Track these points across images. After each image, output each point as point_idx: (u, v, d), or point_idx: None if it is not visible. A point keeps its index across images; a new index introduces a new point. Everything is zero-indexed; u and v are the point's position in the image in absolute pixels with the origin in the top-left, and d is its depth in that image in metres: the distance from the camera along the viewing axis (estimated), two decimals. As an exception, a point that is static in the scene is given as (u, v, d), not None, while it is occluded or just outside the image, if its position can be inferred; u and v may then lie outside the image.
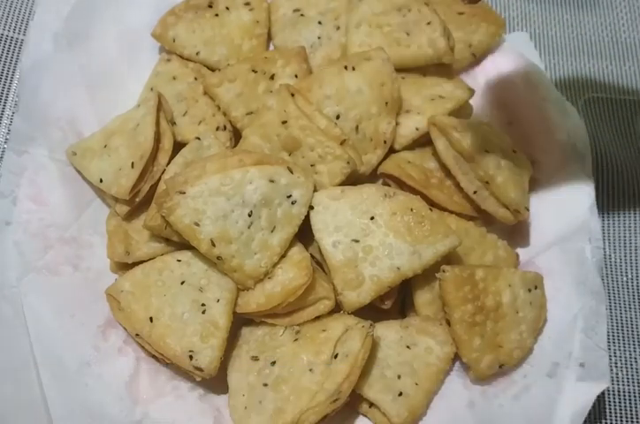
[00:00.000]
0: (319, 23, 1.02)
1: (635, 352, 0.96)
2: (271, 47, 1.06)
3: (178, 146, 0.89)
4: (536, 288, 0.90)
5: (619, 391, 0.94)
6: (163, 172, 0.88)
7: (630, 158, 1.08)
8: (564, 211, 0.96)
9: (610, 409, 0.93)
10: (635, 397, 0.93)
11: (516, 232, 0.97)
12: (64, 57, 0.96)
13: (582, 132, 1.00)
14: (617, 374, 0.95)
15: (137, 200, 0.88)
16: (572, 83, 1.14)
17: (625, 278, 1.00)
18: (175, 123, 0.94)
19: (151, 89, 0.97)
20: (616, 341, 0.96)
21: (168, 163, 0.88)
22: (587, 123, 1.09)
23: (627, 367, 0.95)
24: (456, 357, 0.87)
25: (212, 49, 1.00)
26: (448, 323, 0.85)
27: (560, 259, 0.93)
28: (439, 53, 0.95)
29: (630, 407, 0.93)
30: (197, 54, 0.99)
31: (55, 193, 0.89)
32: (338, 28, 1.02)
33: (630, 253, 1.02)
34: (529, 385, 0.87)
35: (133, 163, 0.87)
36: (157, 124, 0.89)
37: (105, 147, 0.90)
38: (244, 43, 1.01)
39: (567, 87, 1.14)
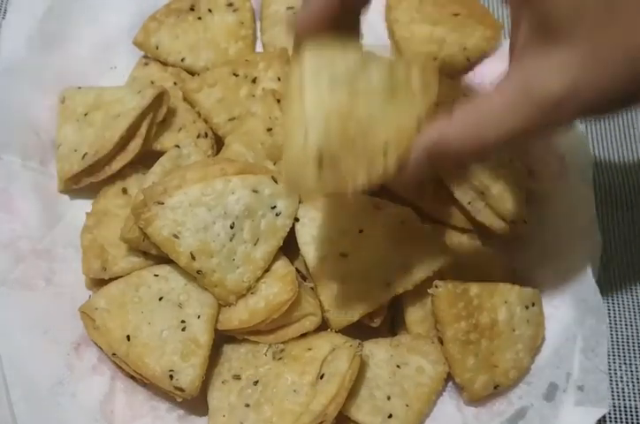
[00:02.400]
0: (313, 24, 0.99)
1: (642, 365, 0.92)
2: (259, 45, 1.03)
3: (156, 155, 0.86)
4: (533, 305, 0.87)
5: (625, 407, 0.89)
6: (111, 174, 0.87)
7: (630, 160, 1.06)
8: (563, 224, 0.93)
9: (617, 425, 0.89)
10: (642, 412, 0.89)
11: (513, 246, 0.93)
12: (39, 60, 0.92)
13: (582, 141, 0.98)
14: (623, 389, 0.90)
15: (75, 186, 0.88)
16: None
17: (628, 290, 0.97)
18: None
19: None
20: (622, 354, 0.92)
21: (121, 169, 0.86)
22: (586, 123, 1.06)
23: (633, 382, 0.91)
24: (449, 377, 0.83)
25: (198, 55, 0.96)
26: (441, 342, 0.82)
27: (559, 274, 0.90)
28: None
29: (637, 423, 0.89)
30: (182, 60, 0.96)
31: (27, 203, 0.86)
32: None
33: (633, 266, 0.98)
34: (526, 408, 0.83)
35: (85, 155, 0.85)
36: (137, 124, 0.86)
37: (86, 115, 0.87)
38: (230, 46, 0.98)
39: (565, 87, 1.11)
